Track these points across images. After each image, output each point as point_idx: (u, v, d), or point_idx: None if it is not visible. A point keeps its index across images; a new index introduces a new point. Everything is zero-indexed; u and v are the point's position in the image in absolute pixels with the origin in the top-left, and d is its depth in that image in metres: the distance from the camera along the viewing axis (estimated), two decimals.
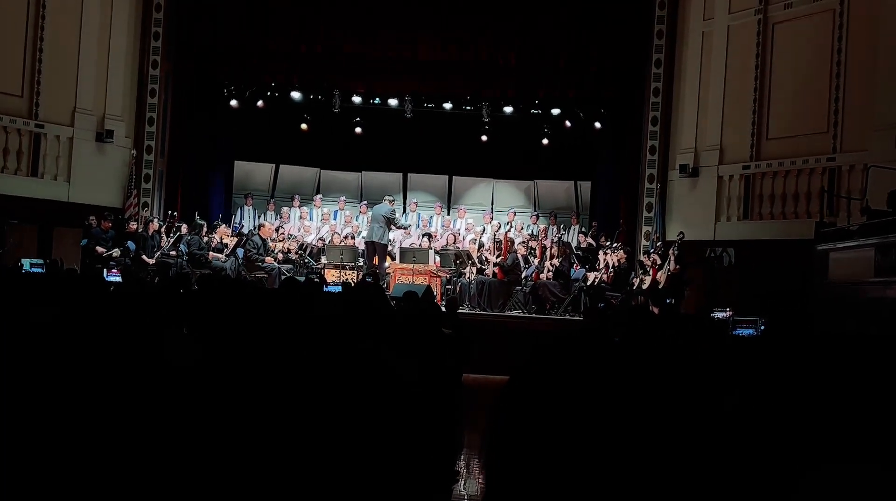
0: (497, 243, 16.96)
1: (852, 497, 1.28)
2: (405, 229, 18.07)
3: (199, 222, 16.84)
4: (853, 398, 1.50)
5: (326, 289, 9.04)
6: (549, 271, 16.50)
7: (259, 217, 19.29)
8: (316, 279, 11.46)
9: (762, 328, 9.18)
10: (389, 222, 16.67)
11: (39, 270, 10.41)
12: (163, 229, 16.41)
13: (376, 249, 16.53)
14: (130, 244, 15.82)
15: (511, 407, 1.42)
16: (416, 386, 3.47)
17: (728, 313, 9.62)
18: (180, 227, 16.45)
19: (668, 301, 13.63)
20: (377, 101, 19.81)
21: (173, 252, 15.92)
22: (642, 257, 16.21)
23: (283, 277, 15.42)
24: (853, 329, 9.58)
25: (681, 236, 15.49)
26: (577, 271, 16.66)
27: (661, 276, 14.90)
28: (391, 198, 17.52)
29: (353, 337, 3.96)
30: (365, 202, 19.94)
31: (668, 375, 1.45)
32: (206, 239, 16.55)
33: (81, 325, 3.03)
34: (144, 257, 15.70)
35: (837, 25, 14.39)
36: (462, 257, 16.83)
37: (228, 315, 3.85)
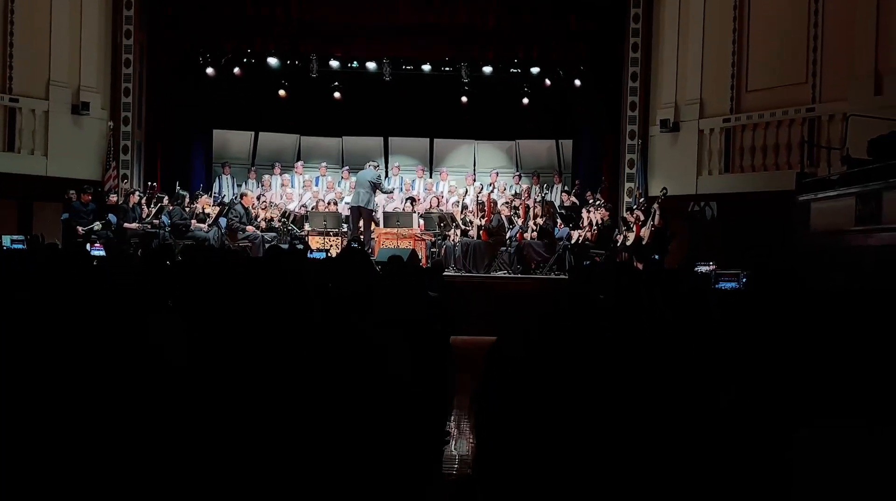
0: (480, 204, 16.94)
1: (844, 454, 1.30)
2: (389, 193, 18.04)
3: (180, 192, 16.74)
4: (841, 356, 1.52)
5: (311, 256, 9.02)
6: (532, 230, 16.52)
7: (239, 186, 19.16)
8: (299, 246, 11.41)
9: (744, 281, 9.25)
10: (375, 187, 16.61)
11: (20, 246, 10.31)
12: (143, 201, 16.31)
13: (362, 214, 16.47)
14: (111, 217, 15.72)
15: (498, 371, 1.43)
16: (404, 351, 3.48)
17: (711, 266, 9.66)
18: (162, 198, 16.35)
19: (653, 257, 13.68)
20: (355, 65, 19.64)
21: (156, 221, 15.85)
22: (625, 214, 16.25)
23: (266, 245, 15.38)
24: (836, 279, 9.65)
25: (664, 191, 15.51)
26: (560, 229, 16.69)
27: (645, 232, 14.95)
28: (375, 163, 17.46)
29: (340, 312, 3.96)
30: (347, 168, 19.85)
31: (653, 353, 1.46)
32: (188, 209, 16.46)
33: (69, 310, 3.01)
34: (126, 224, 15.64)
35: None
36: (446, 220, 16.82)
37: (215, 291, 3.84)
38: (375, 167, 17.12)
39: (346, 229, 16.67)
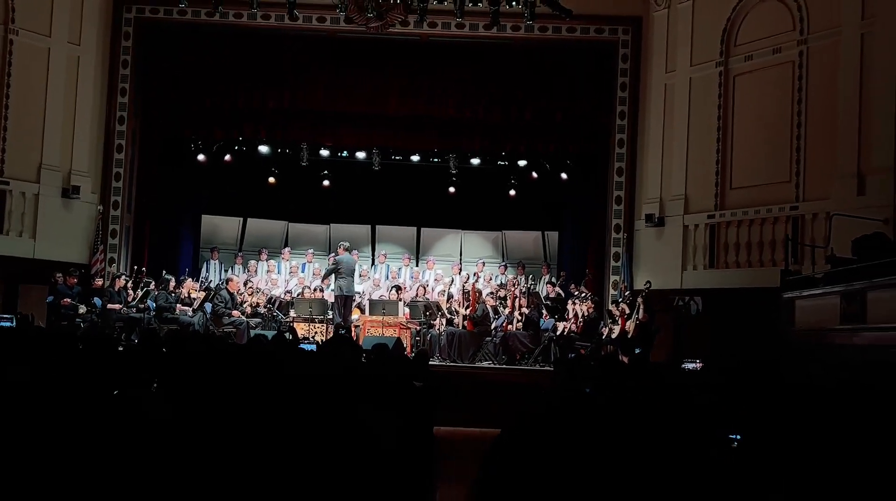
0: (466, 294, 16.96)
1: None
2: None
3: (166, 277, 16.70)
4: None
5: (301, 347, 8.97)
6: (518, 321, 16.52)
7: (226, 271, 19.14)
8: (288, 336, 11.33)
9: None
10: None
11: (9, 323, 10.23)
12: (129, 285, 16.24)
13: (347, 301, 16.54)
14: (97, 300, 15.66)
15: (498, 472, 1.43)
16: (390, 440, 3.46)
17: (698, 364, 9.64)
18: (149, 283, 16.27)
19: (636, 351, 13.66)
20: (345, 154, 19.89)
21: (142, 305, 15.76)
22: (611, 307, 16.28)
23: (251, 331, 15.31)
24: (820, 378, 9.65)
25: (647, 285, 15.58)
26: (546, 321, 16.68)
27: (630, 325, 14.97)
28: (346, 245, 17.37)
29: (328, 394, 3.94)
30: (333, 254, 19.87)
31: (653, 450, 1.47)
32: (173, 294, 16.40)
33: (56, 384, 3.00)
34: (110, 305, 15.56)
35: (797, 76, 14.65)
36: (431, 309, 16.82)
37: (200, 375, 3.82)
38: (350, 251, 17.20)
39: (331, 316, 16.62)
